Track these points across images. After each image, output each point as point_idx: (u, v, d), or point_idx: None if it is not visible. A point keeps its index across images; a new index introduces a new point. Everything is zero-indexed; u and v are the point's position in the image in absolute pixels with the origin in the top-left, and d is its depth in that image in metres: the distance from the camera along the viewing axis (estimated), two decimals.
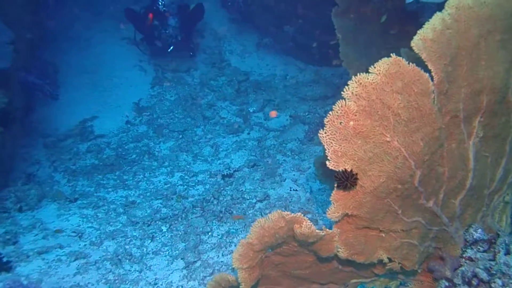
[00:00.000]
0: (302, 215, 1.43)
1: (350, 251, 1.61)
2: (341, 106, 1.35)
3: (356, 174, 1.40)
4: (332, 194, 1.46)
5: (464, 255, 1.97)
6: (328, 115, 1.38)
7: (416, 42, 1.47)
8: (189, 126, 4.83)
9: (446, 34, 1.53)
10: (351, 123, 1.35)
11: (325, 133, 1.39)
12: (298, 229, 1.40)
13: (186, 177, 3.91)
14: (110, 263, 2.76)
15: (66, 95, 5.19)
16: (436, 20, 1.53)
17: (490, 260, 1.91)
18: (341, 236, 1.58)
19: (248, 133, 4.67)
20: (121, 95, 5.40)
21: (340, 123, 1.36)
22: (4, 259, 2.65)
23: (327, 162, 1.41)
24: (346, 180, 1.38)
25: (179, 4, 5.60)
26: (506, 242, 1.92)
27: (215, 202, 3.39)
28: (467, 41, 1.60)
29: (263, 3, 5.70)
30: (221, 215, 3.21)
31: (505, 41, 1.70)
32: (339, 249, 1.58)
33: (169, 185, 3.79)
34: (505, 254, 1.86)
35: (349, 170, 1.39)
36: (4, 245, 2.84)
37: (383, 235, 1.71)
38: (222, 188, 3.58)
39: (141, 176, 3.98)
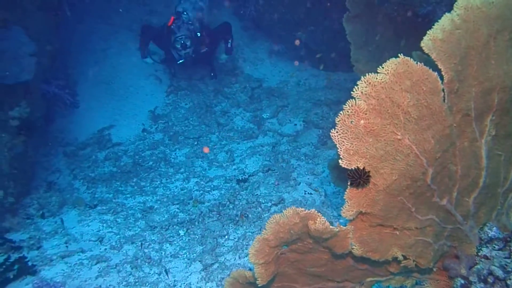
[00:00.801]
0: (316, 211, 1.47)
1: (364, 249, 1.64)
2: (352, 105, 1.39)
3: (369, 172, 1.44)
4: (345, 193, 1.49)
5: (479, 254, 1.97)
6: (339, 114, 1.42)
7: (426, 43, 1.51)
8: (204, 133, 4.91)
9: (455, 34, 1.56)
10: (362, 121, 1.39)
11: (337, 132, 1.43)
12: (313, 225, 1.44)
13: (202, 182, 3.98)
14: (130, 266, 2.84)
15: (84, 105, 5.33)
16: (445, 21, 1.56)
17: (505, 258, 1.91)
18: (356, 233, 1.62)
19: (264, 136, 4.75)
20: (137, 104, 5.53)
21: (351, 122, 1.40)
22: (29, 263, 2.74)
23: (339, 161, 1.45)
24: (359, 178, 1.42)
25: (202, 21, 5.25)
26: None
27: (231, 206, 3.45)
28: (476, 41, 1.62)
29: (275, 10, 5.78)
30: (237, 218, 3.26)
31: None
32: (354, 247, 1.62)
33: (185, 190, 3.86)
34: None
35: (361, 168, 1.43)
36: (28, 250, 2.95)
37: (397, 232, 1.73)
38: (237, 193, 3.63)
39: (158, 182, 4.06)
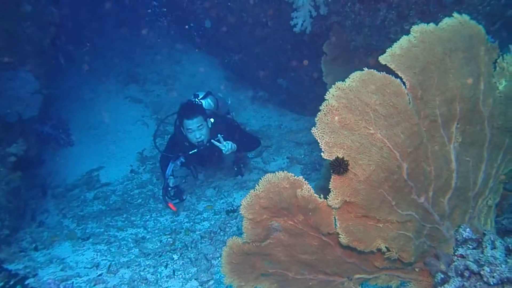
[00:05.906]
0: (304, 179, 1.66)
1: (350, 238, 1.80)
2: (326, 105, 1.64)
3: (348, 160, 1.65)
4: (330, 182, 1.69)
5: (456, 253, 2.15)
6: (317, 115, 1.65)
7: (384, 57, 1.76)
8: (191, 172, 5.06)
9: (413, 50, 1.83)
10: (336, 117, 1.63)
11: (317, 129, 1.66)
12: (300, 192, 1.62)
13: (192, 215, 4.09)
14: (128, 286, 2.88)
15: (73, 149, 5.48)
16: (403, 41, 1.83)
17: (479, 254, 2.09)
18: (342, 224, 1.79)
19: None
20: (125, 147, 5.71)
21: (327, 119, 1.64)
22: (29, 286, 2.76)
23: (322, 154, 1.66)
24: (340, 166, 1.63)
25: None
26: (492, 239, 2.12)
27: (222, 233, 3.55)
28: (433, 57, 1.88)
29: (257, 59, 6.18)
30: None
31: (468, 58, 1.97)
32: (340, 236, 1.78)
33: (175, 222, 3.96)
34: (491, 249, 2.06)
35: (341, 157, 1.64)
36: (24, 278, 2.95)
37: (381, 225, 1.90)
38: (227, 222, 3.75)
39: (148, 216, 4.16)
